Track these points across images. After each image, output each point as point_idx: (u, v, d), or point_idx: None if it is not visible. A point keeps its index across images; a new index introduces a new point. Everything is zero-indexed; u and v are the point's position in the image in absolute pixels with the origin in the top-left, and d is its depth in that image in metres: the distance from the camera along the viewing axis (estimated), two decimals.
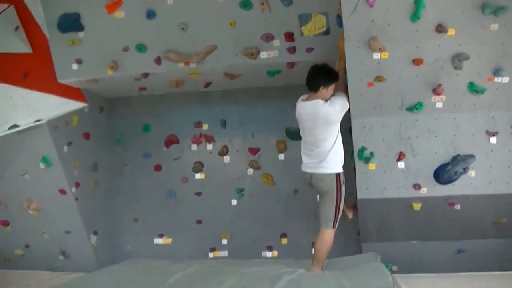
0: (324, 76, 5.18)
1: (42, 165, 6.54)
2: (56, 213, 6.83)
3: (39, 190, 6.74)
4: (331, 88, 5.20)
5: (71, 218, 6.85)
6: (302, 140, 5.50)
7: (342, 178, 5.33)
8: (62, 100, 6.66)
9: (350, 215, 6.01)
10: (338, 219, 5.38)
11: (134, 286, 4.96)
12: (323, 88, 5.15)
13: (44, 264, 7.06)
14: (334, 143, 5.24)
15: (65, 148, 6.64)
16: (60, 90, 6.61)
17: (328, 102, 5.17)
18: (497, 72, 5.15)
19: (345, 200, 5.55)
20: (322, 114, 5.14)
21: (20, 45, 6.41)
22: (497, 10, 4.86)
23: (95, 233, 7.13)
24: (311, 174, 5.38)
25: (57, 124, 6.52)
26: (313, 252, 5.60)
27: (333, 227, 5.36)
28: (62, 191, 6.68)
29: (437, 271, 6.03)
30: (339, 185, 5.29)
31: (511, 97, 5.26)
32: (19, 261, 7.17)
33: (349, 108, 5.43)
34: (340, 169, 5.30)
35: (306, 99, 5.29)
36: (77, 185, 6.81)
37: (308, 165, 5.42)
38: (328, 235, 5.37)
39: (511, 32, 4.99)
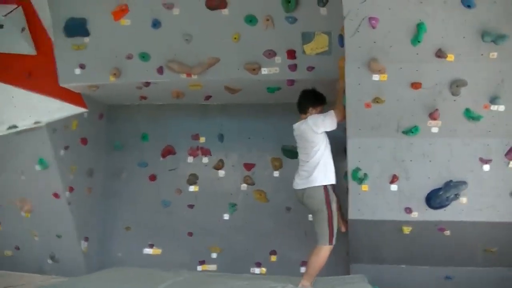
0: (313, 98, 5.69)
1: (38, 167, 6.58)
2: (48, 216, 6.86)
3: (33, 191, 6.81)
4: (319, 109, 5.65)
5: (63, 222, 6.87)
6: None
7: (332, 194, 5.50)
8: (62, 104, 6.68)
9: (343, 228, 6.05)
10: (334, 235, 5.49)
11: None
12: (312, 109, 5.62)
13: (33, 267, 7.10)
14: (320, 159, 5.50)
15: (62, 151, 6.68)
16: (61, 94, 6.63)
17: (307, 119, 5.51)
18: (493, 100, 5.17)
19: (342, 214, 5.87)
20: (302, 132, 5.55)
21: (25, 47, 6.43)
22: (497, 39, 4.91)
23: (86, 239, 7.12)
24: (302, 192, 5.60)
25: (56, 127, 6.57)
26: (306, 267, 5.66)
27: (330, 243, 5.45)
28: (56, 195, 6.72)
29: None
30: (328, 201, 5.46)
31: (507, 125, 5.28)
32: (7, 263, 7.18)
33: (345, 128, 5.56)
34: (327, 182, 5.51)
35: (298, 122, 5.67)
36: (71, 189, 6.83)
37: (298, 182, 5.67)
38: (323, 251, 5.47)
39: (509, 61, 5.03)
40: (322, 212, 5.45)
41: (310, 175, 5.49)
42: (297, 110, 5.73)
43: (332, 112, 5.53)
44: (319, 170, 5.47)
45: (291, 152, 6.63)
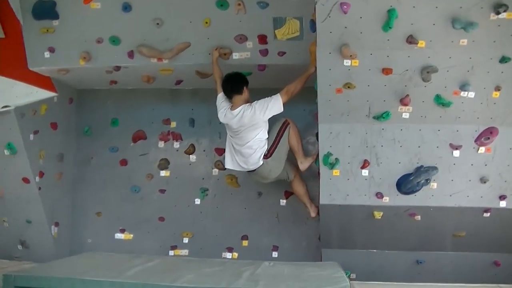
0: (243, 78, 5.74)
1: (6, 152, 6.46)
2: (18, 202, 6.77)
3: (2, 177, 6.68)
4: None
5: (33, 208, 6.78)
6: (227, 138, 5.95)
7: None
8: (31, 88, 6.57)
9: (313, 213, 6.10)
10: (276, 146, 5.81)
11: (91, 277, 4.91)
12: (246, 88, 5.67)
13: (3, 253, 6.95)
14: (256, 141, 5.69)
15: (31, 136, 6.57)
16: (30, 78, 6.53)
17: (253, 107, 5.57)
18: (463, 86, 5.20)
19: (310, 199, 6.12)
20: (246, 117, 5.59)
21: None
22: (467, 26, 4.92)
23: (56, 224, 7.06)
24: (251, 172, 5.92)
25: (24, 112, 6.44)
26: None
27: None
28: (26, 180, 6.62)
29: (395, 280, 6.04)
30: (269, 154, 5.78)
31: (476, 112, 5.31)
32: None
33: (317, 113, 5.58)
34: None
35: (232, 108, 5.72)
36: (41, 174, 6.74)
37: (242, 166, 5.93)
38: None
39: (479, 48, 5.05)
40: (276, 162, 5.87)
41: (253, 160, 5.75)
42: (232, 94, 5.78)
43: (278, 95, 5.56)
44: (258, 151, 5.68)
45: None
